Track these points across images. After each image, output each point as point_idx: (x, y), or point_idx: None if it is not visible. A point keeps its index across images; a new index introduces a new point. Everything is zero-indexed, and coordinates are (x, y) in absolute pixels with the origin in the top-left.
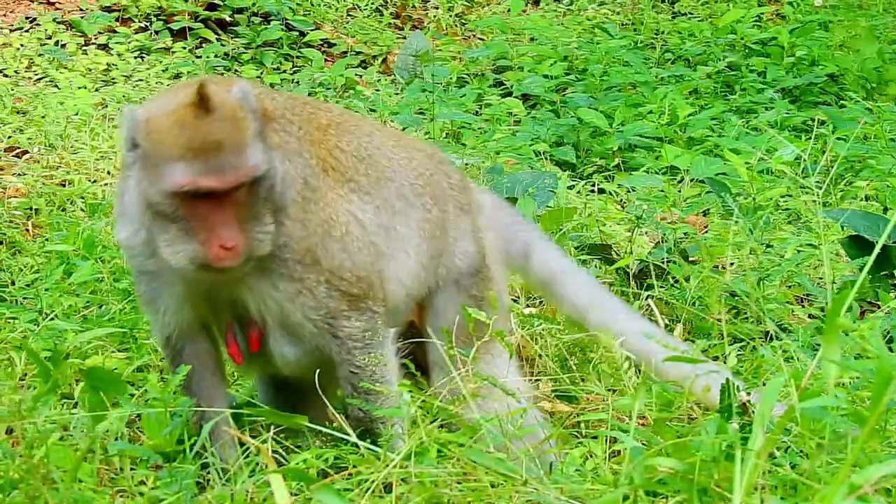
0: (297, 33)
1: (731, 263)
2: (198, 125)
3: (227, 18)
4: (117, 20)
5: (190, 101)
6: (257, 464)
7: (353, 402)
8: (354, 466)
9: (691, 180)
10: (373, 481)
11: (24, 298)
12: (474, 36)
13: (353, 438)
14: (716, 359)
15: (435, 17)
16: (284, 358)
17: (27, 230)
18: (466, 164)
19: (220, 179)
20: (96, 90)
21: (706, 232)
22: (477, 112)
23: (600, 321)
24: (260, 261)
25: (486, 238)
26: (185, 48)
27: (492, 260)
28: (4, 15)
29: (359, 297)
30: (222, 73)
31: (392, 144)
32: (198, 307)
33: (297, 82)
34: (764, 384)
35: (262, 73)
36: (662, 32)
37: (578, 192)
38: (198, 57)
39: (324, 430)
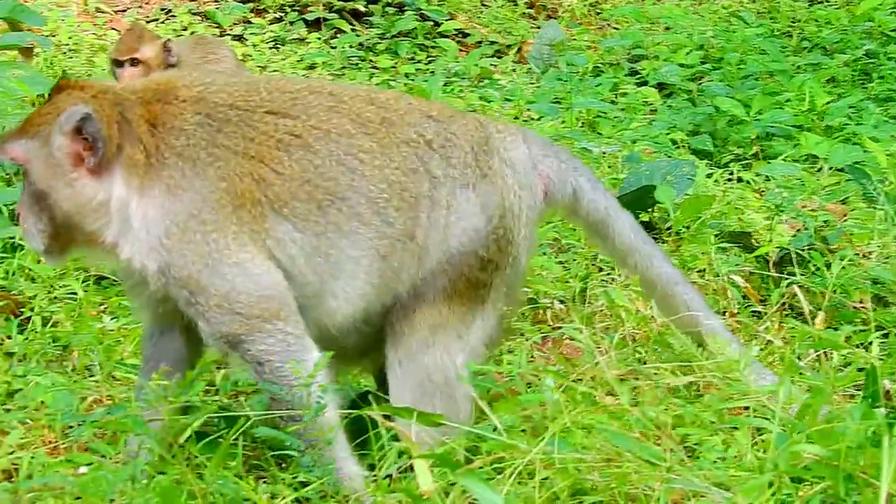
0: (432, 23)
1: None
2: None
3: (362, 8)
4: (252, 11)
5: None
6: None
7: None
8: (490, 453)
9: (830, 168)
10: (516, 467)
11: None
12: (609, 25)
13: (496, 422)
14: (860, 346)
15: (569, 6)
16: None
17: None
18: (604, 153)
19: None
20: None
21: (846, 220)
22: (613, 101)
23: (636, 264)
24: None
25: (512, 199)
26: (319, 39)
27: (517, 223)
28: (140, 6)
29: (262, 318)
30: (357, 64)
31: (370, 146)
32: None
33: (433, 72)
34: None
35: (396, 63)
36: (799, 20)
37: (716, 180)
38: (333, 48)
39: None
